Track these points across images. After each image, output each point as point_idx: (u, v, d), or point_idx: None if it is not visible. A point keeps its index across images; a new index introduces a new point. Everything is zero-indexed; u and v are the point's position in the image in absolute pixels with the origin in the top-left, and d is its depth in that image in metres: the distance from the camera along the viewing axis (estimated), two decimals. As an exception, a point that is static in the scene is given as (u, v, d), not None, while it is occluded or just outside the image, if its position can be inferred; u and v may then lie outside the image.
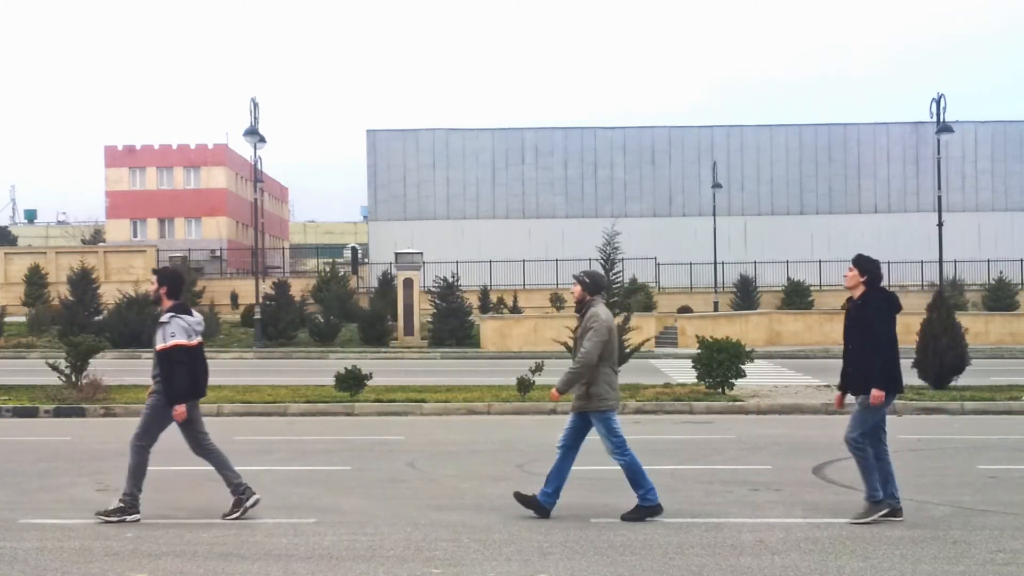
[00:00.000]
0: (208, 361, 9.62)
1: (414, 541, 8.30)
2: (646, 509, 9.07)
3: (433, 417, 17.93)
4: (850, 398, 9.41)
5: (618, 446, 9.27)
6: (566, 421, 9.57)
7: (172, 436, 9.68)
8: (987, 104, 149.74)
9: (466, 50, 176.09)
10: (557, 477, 9.33)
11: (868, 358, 9.11)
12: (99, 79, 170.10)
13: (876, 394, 9.01)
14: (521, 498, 9.29)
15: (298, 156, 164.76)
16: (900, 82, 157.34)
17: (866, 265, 9.42)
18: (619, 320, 21.44)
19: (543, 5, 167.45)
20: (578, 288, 9.48)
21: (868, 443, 9.16)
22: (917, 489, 10.52)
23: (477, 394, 20.04)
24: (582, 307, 9.47)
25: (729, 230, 58.62)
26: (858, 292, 9.36)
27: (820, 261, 55.07)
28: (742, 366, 20.22)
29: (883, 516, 8.96)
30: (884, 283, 9.65)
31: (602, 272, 9.73)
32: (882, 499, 9.03)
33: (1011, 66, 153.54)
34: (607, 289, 9.77)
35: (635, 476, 9.22)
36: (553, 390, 9.52)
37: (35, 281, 50.51)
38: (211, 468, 9.51)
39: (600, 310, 9.35)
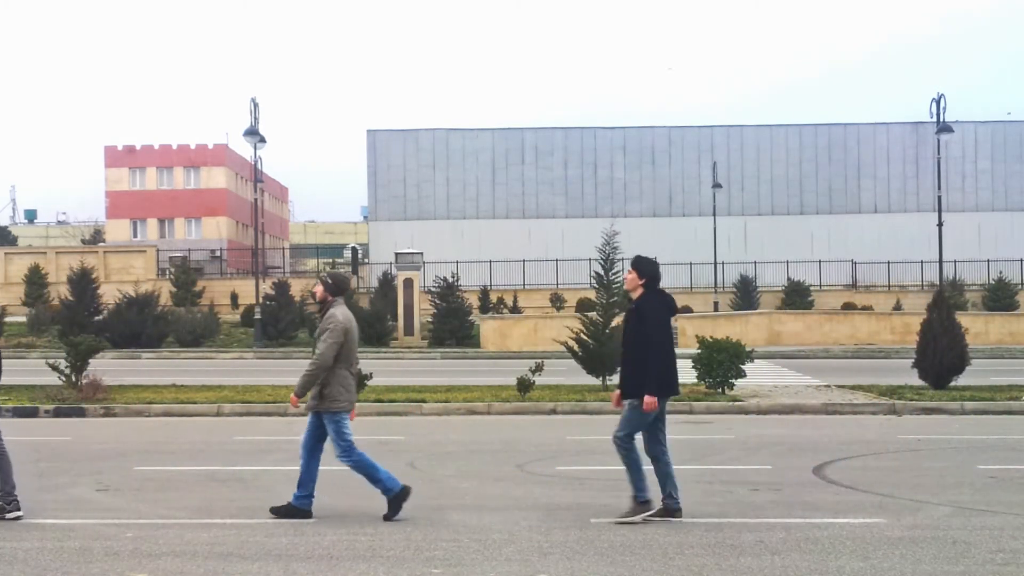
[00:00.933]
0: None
1: (414, 541, 8.30)
2: (394, 499, 9.11)
3: (433, 417, 17.93)
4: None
5: (345, 449, 9.29)
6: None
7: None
8: (987, 104, 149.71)
9: (466, 50, 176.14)
10: (307, 478, 9.31)
11: (643, 362, 8.93)
12: (99, 79, 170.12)
13: (649, 401, 8.90)
14: (278, 511, 9.22)
15: (298, 156, 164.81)
16: (900, 82, 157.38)
17: (644, 267, 9.24)
18: (619, 320, 21.46)
19: (543, 5, 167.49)
20: (320, 288, 9.48)
21: (657, 443, 9.09)
22: (917, 489, 10.52)
23: (477, 394, 20.04)
24: (323, 308, 9.45)
25: (729, 230, 58.62)
26: (636, 294, 9.21)
27: (820, 261, 55.08)
28: (742, 366, 20.23)
29: (652, 515, 8.92)
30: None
31: (345, 276, 9.70)
32: (649, 499, 8.95)
33: (1011, 66, 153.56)
34: (348, 292, 9.75)
35: (368, 474, 9.22)
36: (292, 395, 9.48)
37: (35, 281, 50.52)
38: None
39: (339, 311, 9.31)
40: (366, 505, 9.79)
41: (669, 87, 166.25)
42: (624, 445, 9.08)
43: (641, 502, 9.00)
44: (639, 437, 9.14)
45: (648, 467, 9.05)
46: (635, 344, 9.04)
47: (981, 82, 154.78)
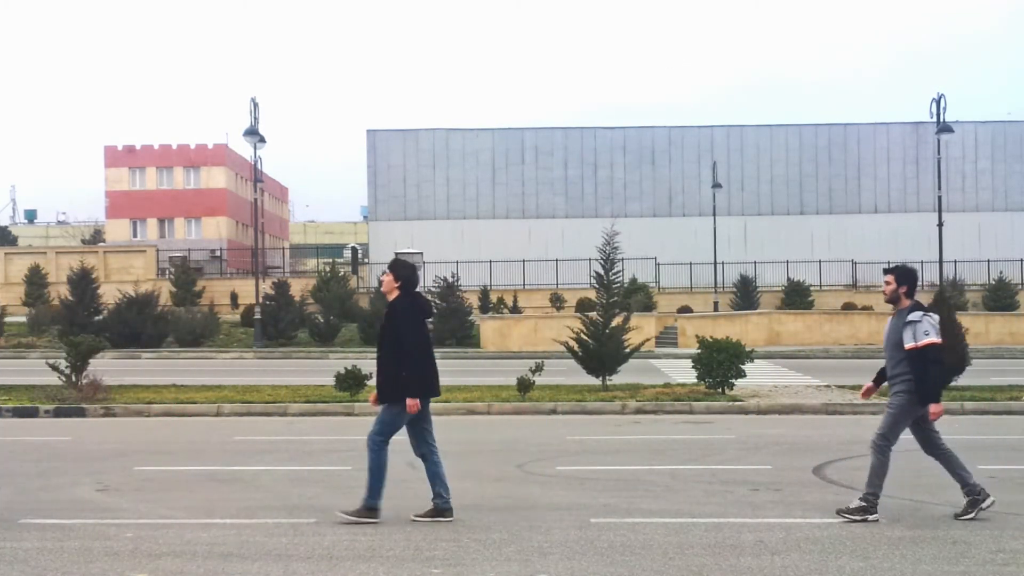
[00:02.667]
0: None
1: (414, 541, 8.30)
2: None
3: (433, 417, 17.89)
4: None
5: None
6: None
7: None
8: (987, 104, 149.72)
9: (466, 50, 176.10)
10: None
11: (398, 364, 8.96)
12: (99, 79, 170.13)
13: (410, 403, 8.98)
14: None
15: (298, 156, 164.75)
16: (900, 82, 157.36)
17: (400, 270, 9.27)
18: (619, 320, 21.48)
19: (543, 5, 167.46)
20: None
21: (426, 443, 9.22)
22: (917, 489, 10.52)
23: (477, 394, 20.04)
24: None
25: (729, 230, 58.61)
26: (391, 296, 9.21)
27: (820, 261, 55.06)
28: (742, 366, 20.23)
29: (422, 516, 9.00)
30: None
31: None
32: (377, 507, 8.98)
33: (1011, 66, 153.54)
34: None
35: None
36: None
37: (35, 281, 50.51)
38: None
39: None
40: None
41: (669, 87, 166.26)
42: (373, 446, 9.11)
43: (369, 508, 9.00)
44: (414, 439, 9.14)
45: (418, 472, 8.95)
46: (390, 346, 9.07)
47: (981, 82, 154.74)
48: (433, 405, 18.99)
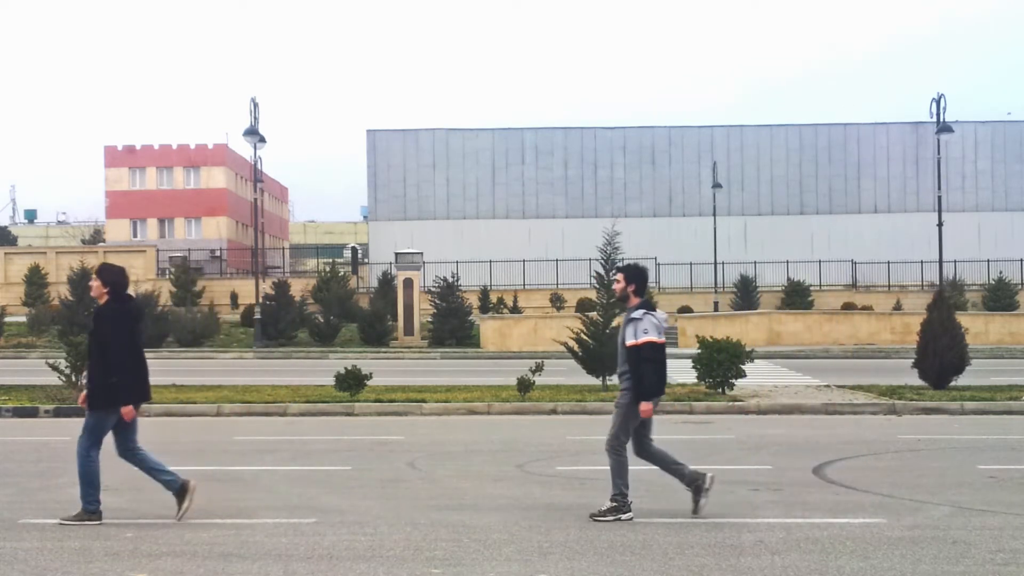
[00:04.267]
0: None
1: (414, 541, 8.30)
2: None
3: (433, 417, 17.93)
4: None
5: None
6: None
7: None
8: (988, 104, 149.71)
9: (466, 50, 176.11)
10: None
11: (105, 372, 8.93)
12: (99, 79, 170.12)
13: (125, 410, 8.93)
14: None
15: (298, 156, 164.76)
16: (900, 82, 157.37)
17: (107, 275, 9.27)
18: (619, 320, 21.47)
19: (542, 5, 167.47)
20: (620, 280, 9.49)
21: (132, 442, 9.13)
22: (917, 489, 10.51)
23: (477, 394, 20.04)
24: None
25: (729, 230, 58.62)
26: (102, 301, 9.20)
27: (820, 261, 55.08)
28: (742, 366, 20.23)
29: (180, 511, 9.03)
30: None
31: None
32: (98, 511, 9.00)
33: (1011, 66, 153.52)
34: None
35: None
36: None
37: (35, 281, 50.54)
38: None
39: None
40: (367, 505, 9.80)
41: (670, 87, 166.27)
42: (83, 452, 9.12)
43: (88, 512, 9.01)
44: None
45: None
46: (99, 352, 9.03)
47: (981, 82, 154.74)
48: (433, 405, 19.07)
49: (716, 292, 50.49)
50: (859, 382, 22.89)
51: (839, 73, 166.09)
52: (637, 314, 9.09)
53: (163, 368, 30.10)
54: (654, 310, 9.20)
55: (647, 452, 9.41)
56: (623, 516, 8.98)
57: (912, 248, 56.84)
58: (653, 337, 9.03)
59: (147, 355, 9.50)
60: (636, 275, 9.30)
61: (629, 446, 9.28)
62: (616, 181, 61.94)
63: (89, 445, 9.12)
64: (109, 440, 9.21)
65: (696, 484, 9.19)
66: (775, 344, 38.97)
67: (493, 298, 46.82)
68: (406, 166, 61.69)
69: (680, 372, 26.01)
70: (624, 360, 9.16)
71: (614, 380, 21.66)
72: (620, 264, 9.52)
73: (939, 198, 38.73)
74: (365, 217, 74.90)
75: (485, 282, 50.33)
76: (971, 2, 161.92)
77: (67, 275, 42.18)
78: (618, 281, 9.39)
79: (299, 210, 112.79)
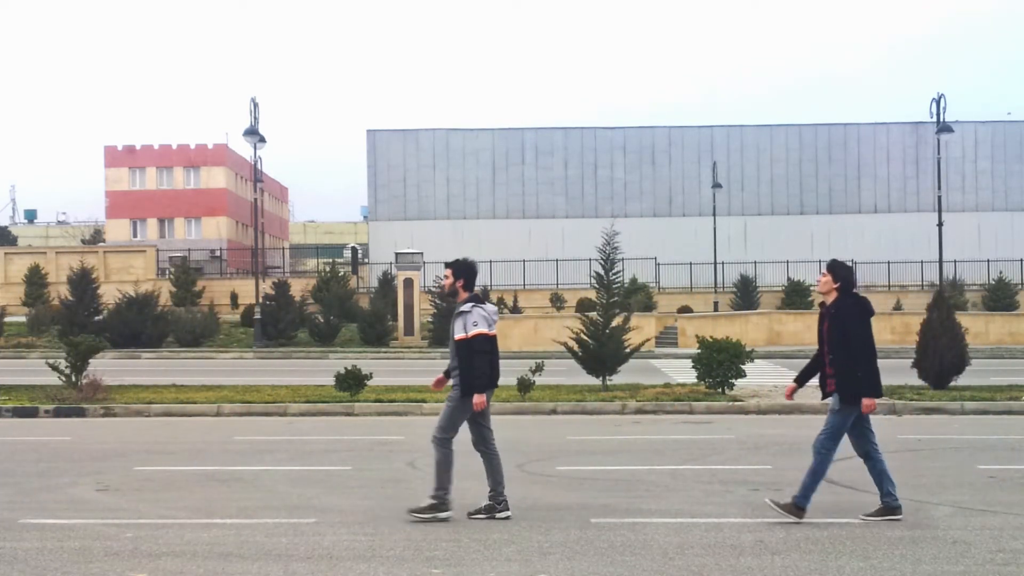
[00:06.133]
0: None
1: (414, 541, 8.30)
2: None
3: (433, 417, 17.85)
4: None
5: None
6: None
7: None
8: (988, 104, 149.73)
9: (466, 50, 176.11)
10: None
11: None
12: (99, 79, 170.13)
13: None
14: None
15: (298, 156, 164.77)
16: (900, 82, 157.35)
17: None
18: (619, 320, 21.48)
19: (542, 5, 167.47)
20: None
21: None
22: (917, 489, 10.51)
23: (477, 394, 20.01)
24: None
25: (729, 230, 58.62)
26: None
27: (820, 261, 54.85)
28: (742, 366, 20.22)
29: None
30: (857, 288, 9.53)
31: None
32: None
33: (1011, 66, 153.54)
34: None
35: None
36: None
37: (35, 281, 50.53)
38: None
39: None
40: (367, 505, 9.80)
41: (669, 87, 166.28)
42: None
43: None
44: None
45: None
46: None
47: (981, 82, 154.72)
48: (433, 405, 19.06)
49: (716, 292, 50.49)
50: (859, 382, 22.84)
51: (839, 73, 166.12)
52: (466, 307, 9.16)
53: (163, 368, 30.11)
54: (484, 303, 9.25)
55: (485, 445, 9.38)
56: (441, 515, 9.01)
57: (912, 248, 56.84)
58: (483, 329, 9.09)
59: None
60: (464, 270, 9.38)
61: (468, 438, 9.30)
62: (616, 181, 61.93)
63: (832, 446, 9.21)
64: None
65: (496, 501, 9.15)
66: (775, 344, 38.96)
67: (493, 298, 46.74)
68: (406, 166, 61.68)
69: (680, 372, 26.03)
70: (454, 355, 9.20)
71: (614, 380, 21.67)
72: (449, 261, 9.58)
73: (939, 198, 38.71)
74: (365, 217, 74.91)
75: (485, 282, 50.30)
76: (971, 2, 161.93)
77: (67, 275, 42.10)
78: (447, 276, 9.45)
79: (299, 210, 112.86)
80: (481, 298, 9.33)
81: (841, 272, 9.33)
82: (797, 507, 8.99)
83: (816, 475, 9.14)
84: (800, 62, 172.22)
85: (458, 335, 9.10)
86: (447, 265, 9.57)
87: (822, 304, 9.37)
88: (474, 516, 9.08)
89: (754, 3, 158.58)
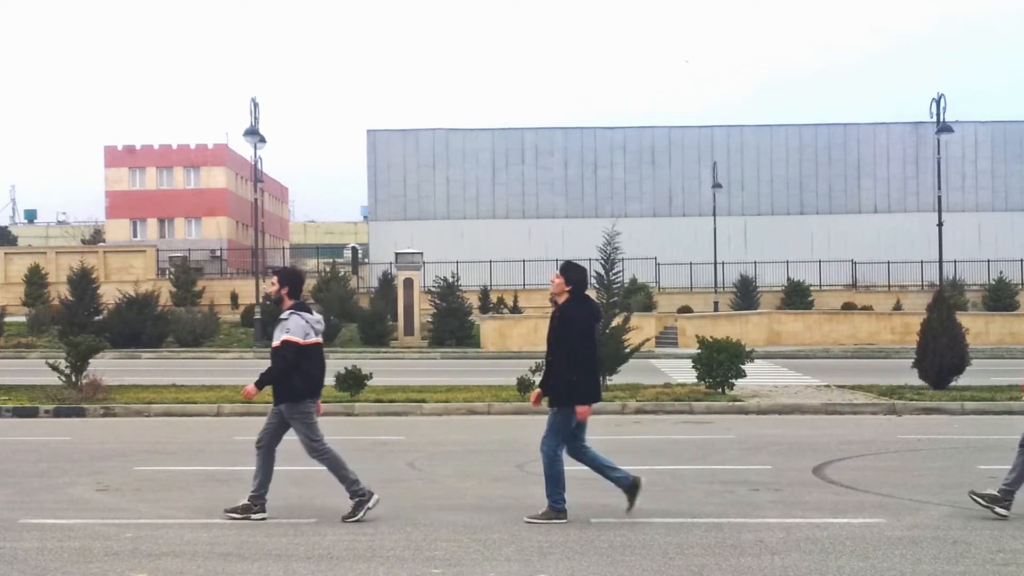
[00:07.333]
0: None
1: (414, 541, 8.30)
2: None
3: (433, 417, 17.93)
4: None
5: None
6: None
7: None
8: (987, 104, 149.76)
9: (466, 50, 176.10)
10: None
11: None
12: (99, 79, 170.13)
13: (581, 411, 9.04)
14: None
15: (298, 156, 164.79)
16: (900, 82, 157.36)
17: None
18: (619, 320, 21.48)
19: (542, 5, 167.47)
20: None
21: None
22: (917, 489, 10.51)
23: (477, 394, 20.04)
24: None
25: (729, 230, 58.60)
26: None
27: (820, 261, 55.06)
28: (742, 366, 20.23)
29: None
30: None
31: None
32: None
33: (1011, 66, 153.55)
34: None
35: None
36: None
37: (35, 281, 50.52)
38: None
39: None
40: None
41: (669, 87, 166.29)
42: (555, 453, 9.20)
43: (556, 510, 9.02)
44: None
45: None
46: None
47: (981, 82, 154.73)
48: (433, 405, 19.08)
49: (716, 292, 50.47)
50: (859, 382, 22.89)
51: (839, 73, 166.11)
52: (284, 315, 9.23)
53: (163, 368, 30.10)
54: (306, 312, 9.26)
55: (268, 449, 9.53)
56: (253, 516, 9.07)
57: (912, 248, 56.83)
58: (295, 337, 9.14)
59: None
60: (288, 278, 9.45)
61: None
62: (616, 181, 61.92)
63: (556, 445, 9.12)
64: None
65: (356, 494, 9.15)
66: (775, 344, 38.96)
67: (493, 298, 46.80)
68: (406, 166, 61.68)
69: (680, 372, 26.03)
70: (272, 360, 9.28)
71: (614, 380, 21.67)
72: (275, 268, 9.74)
73: (939, 198, 38.72)
74: (365, 217, 74.89)
75: (485, 282, 50.31)
76: (972, 3, 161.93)
77: (67, 275, 42.12)
78: (273, 284, 9.50)
79: (299, 210, 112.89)
80: (305, 306, 9.35)
81: (573, 275, 9.33)
82: (553, 510, 8.96)
83: (550, 479, 9.05)
84: (800, 62, 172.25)
85: (274, 342, 9.18)
86: (273, 272, 9.67)
87: (553, 303, 9.34)
88: (230, 514, 9.12)
89: (754, 3, 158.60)
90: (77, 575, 7.37)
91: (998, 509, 8.95)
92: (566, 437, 9.14)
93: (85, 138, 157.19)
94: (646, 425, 16.54)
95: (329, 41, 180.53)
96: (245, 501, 9.17)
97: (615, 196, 61.50)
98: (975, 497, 9.10)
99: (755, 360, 21.88)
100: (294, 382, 9.13)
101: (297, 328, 9.12)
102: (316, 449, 9.29)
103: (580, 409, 8.96)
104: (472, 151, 61.94)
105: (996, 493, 9.05)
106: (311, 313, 9.31)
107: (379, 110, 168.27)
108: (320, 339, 9.35)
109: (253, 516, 9.07)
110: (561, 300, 9.24)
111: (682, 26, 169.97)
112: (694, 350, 21.17)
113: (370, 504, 9.06)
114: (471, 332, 39.52)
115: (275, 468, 9.58)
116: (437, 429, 16.21)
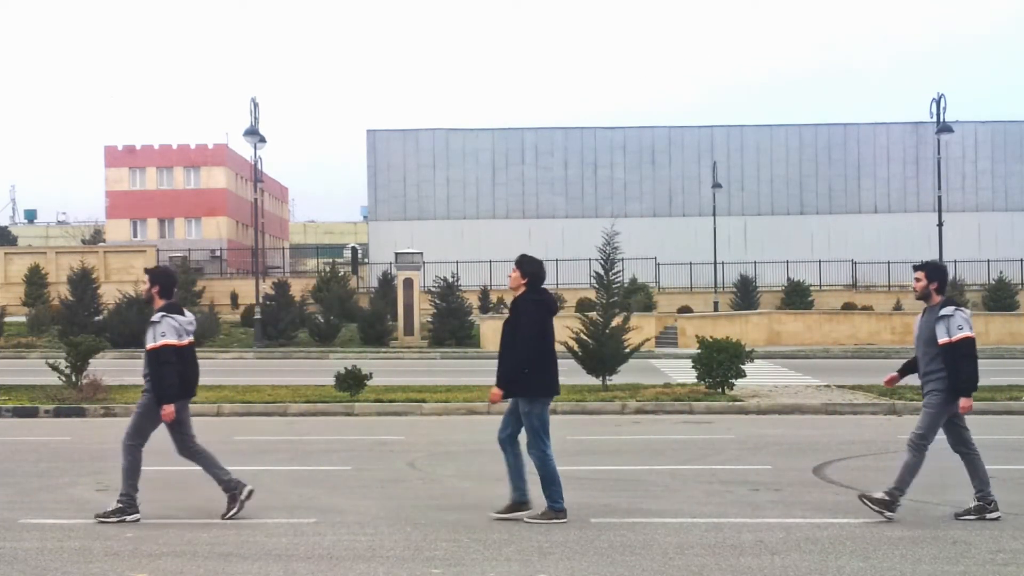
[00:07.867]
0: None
1: (414, 541, 8.30)
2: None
3: (433, 417, 17.92)
4: None
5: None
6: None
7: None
8: (987, 104, 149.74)
9: (466, 50, 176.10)
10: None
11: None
12: (99, 79, 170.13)
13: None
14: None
15: (298, 156, 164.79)
16: (900, 82, 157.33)
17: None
18: (619, 320, 21.47)
19: (543, 5, 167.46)
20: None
21: None
22: (917, 489, 10.50)
23: (477, 394, 20.02)
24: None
25: (729, 230, 58.60)
26: (519, 292, 9.54)
27: (820, 261, 55.06)
28: (742, 366, 20.22)
29: None
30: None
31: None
32: None
33: (1011, 66, 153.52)
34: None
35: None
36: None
37: (35, 281, 50.50)
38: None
39: None
40: (367, 505, 9.80)
41: (669, 87, 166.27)
42: (546, 453, 9.22)
43: (556, 510, 9.02)
44: None
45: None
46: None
47: (981, 82, 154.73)
48: (433, 405, 19.06)
49: (716, 292, 50.47)
50: (859, 382, 22.88)
51: (839, 73, 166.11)
52: (155, 317, 9.16)
53: (163, 368, 30.07)
54: (178, 313, 9.22)
55: (189, 451, 9.48)
56: (128, 517, 9.02)
57: (912, 248, 56.79)
58: (171, 340, 9.07)
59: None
60: (159, 277, 9.40)
61: (168, 446, 9.38)
62: (616, 181, 61.92)
63: (543, 445, 9.12)
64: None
65: (233, 492, 9.21)
66: (775, 344, 38.96)
67: (493, 298, 46.78)
68: (406, 166, 61.68)
69: (680, 372, 26.02)
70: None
71: (614, 380, 21.67)
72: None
73: (939, 198, 38.74)
74: (365, 217, 74.88)
75: (485, 282, 50.31)
76: (971, 2, 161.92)
77: (67, 275, 42.12)
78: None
79: (299, 210, 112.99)
80: (177, 307, 9.28)
81: (528, 267, 9.41)
82: (553, 510, 8.96)
83: (545, 479, 9.04)
84: (800, 62, 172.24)
85: (148, 345, 9.10)
86: (146, 271, 9.63)
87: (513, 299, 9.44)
88: (103, 519, 9.03)
89: (754, 3, 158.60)
90: (77, 575, 7.37)
91: (888, 513, 8.98)
92: (538, 432, 9.13)
93: (85, 138, 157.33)
94: (646, 425, 16.54)
95: (329, 41, 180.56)
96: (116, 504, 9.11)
97: (615, 196, 61.49)
98: (865, 500, 9.10)
99: (755, 360, 21.87)
100: (173, 383, 9.05)
101: (170, 331, 9.08)
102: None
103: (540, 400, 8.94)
104: (472, 151, 61.94)
105: (885, 496, 9.05)
106: (183, 314, 9.23)
107: (379, 110, 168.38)
108: (192, 339, 9.28)
109: (127, 519, 8.99)
110: (518, 294, 9.33)
111: (682, 26, 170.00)
112: (694, 350, 21.17)
113: (236, 508, 9.15)
114: (471, 332, 39.51)
115: (275, 468, 9.57)
116: (437, 429, 16.21)
